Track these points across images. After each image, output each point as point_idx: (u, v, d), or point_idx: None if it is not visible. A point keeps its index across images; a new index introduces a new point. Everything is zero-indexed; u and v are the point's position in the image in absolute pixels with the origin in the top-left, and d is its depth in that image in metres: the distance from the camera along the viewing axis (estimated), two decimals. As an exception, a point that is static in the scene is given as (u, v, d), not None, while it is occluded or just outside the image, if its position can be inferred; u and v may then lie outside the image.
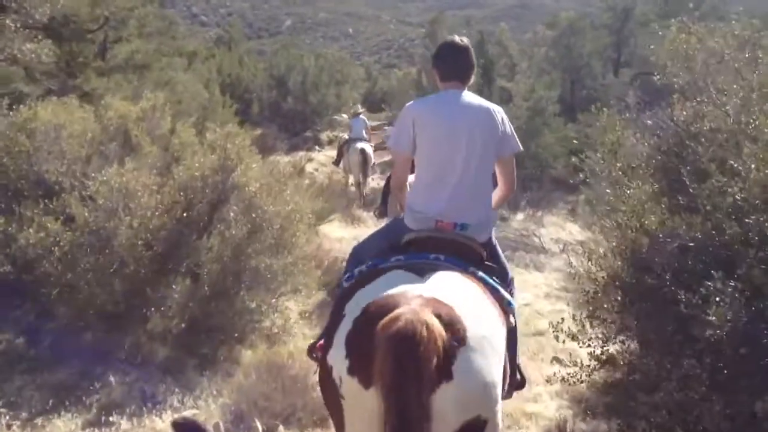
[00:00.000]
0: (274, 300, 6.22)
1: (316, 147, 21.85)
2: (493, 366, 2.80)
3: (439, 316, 2.65)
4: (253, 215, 5.86)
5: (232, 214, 5.92)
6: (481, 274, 3.32)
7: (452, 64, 3.75)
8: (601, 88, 22.37)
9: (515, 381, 3.53)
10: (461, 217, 3.51)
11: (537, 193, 16.39)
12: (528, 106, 18.69)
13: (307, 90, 24.80)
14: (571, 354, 6.59)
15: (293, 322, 6.69)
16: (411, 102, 3.79)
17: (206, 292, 5.64)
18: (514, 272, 9.84)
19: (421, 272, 3.10)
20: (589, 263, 5.49)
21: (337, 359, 2.79)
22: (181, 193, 5.79)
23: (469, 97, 3.69)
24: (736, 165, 4.27)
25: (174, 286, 5.44)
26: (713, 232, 4.25)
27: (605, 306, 5.07)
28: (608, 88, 22.57)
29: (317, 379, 3.12)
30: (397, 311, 2.61)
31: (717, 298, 3.91)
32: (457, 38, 3.83)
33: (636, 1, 24.38)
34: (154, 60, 17.13)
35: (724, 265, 4.08)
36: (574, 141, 19.13)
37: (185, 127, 6.91)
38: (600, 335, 5.28)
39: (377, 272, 3.19)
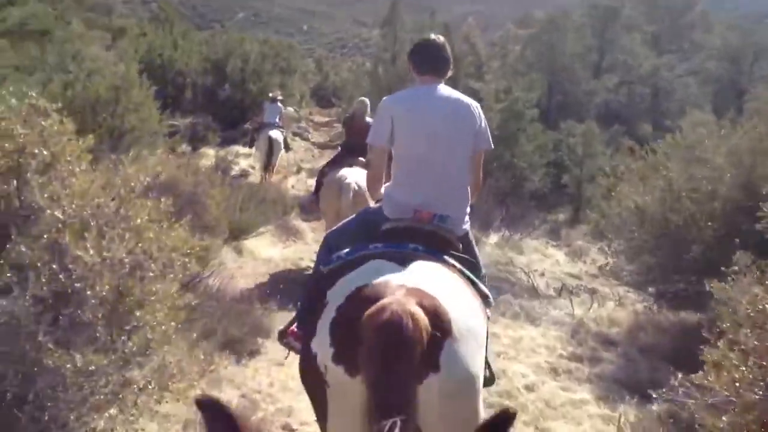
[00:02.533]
0: (98, 418, 3.23)
1: (252, 150, 18.68)
2: (477, 357, 2.82)
3: (423, 307, 2.60)
4: (55, 267, 2.89)
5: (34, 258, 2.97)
6: (459, 266, 3.28)
7: (428, 58, 3.74)
8: (582, 93, 19.89)
9: (485, 376, 3.19)
10: (441, 209, 3.46)
11: (513, 210, 13.62)
12: (502, 108, 16.05)
13: (246, 77, 21.82)
14: None
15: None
16: (388, 96, 3.77)
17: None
18: (502, 326, 7.03)
19: (402, 261, 3.04)
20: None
21: (322, 347, 2.74)
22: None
23: (446, 90, 3.68)
24: None
25: None
26: None
27: None
28: (590, 95, 20.19)
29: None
30: (382, 302, 2.56)
31: None
32: (432, 35, 3.85)
33: (623, 1, 21.98)
34: (56, 27, 14.07)
35: None
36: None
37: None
38: None
39: (358, 260, 3.11)
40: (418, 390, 2.48)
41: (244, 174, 16.13)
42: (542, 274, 10.63)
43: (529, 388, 6.09)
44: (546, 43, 19.97)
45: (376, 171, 3.81)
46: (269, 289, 8.02)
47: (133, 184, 3.41)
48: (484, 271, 3.63)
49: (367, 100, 9.56)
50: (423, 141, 3.49)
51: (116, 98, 13.11)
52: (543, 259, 12.08)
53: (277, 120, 15.33)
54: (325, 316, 2.80)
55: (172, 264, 3.42)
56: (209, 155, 16.87)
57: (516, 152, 15.41)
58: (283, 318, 7.41)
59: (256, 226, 10.38)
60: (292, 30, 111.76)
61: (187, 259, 3.62)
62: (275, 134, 14.76)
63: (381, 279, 2.81)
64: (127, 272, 3.13)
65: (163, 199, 3.59)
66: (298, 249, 10.71)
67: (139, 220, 3.27)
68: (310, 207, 10.27)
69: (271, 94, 16.53)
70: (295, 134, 21.80)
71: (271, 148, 14.62)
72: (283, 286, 8.24)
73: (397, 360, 2.43)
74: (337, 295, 2.86)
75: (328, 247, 3.53)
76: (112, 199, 3.25)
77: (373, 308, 2.53)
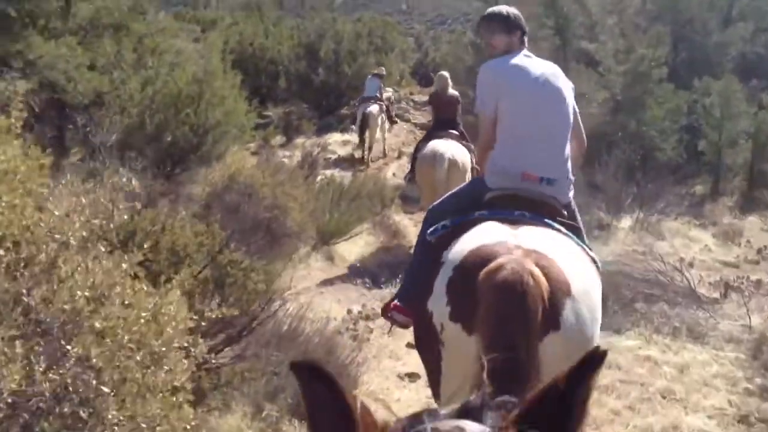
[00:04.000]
0: None
1: (352, 126, 17.33)
2: (595, 321, 2.81)
3: (541, 267, 2.61)
4: None
5: None
6: (566, 231, 3.21)
7: (493, 25, 3.68)
8: (713, 46, 17.50)
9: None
10: (547, 172, 3.37)
11: (646, 187, 11.65)
12: (624, 71, 14.10)
13: (340, 59, 20.55)
14: None
15: None
16: (487, 62, 3.73)
17: None
18: (660, 348, 5.43)
19: (513, 225, 3.04)
20: None
21: (438, 306, 2.78)
22: None
23: (533, 56, 3.65)
24: None
25: None
26: None
27: None
28: (722, 47, 17.77)
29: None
30: (499, 260, 2.57)
31: None
32: (501, 7, 3.77)
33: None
34: (131, 20, 13.22)
35: None
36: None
37: None
38: None
39: (468, 224, 3.11)
40: (538, 348, 2.43)
41: (341, 162, 14.91)
42: (691, 264, 8.82)
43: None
44: (670, -7, 17.73)
45: (486, 139, 3.69)
46: (361, 309, 6.67)
47: (78, 227, 1.95)
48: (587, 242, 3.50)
49: (446, 74, 9.92)
50: (528, 106, 3.45)
51: (200, 92, 12.17)
52: (688, 244, 10.18)
53: (377, 93, 14.89)
54: (441, 276, 2.81)
55: (166, 354, 2.02)
56: (302, 146, 15.72)
57: (644, 119, 13.46)
58: (379, 345, 6.08)
59: (349, 228, 9.06)
60: (391, 9, 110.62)
61: (191, 339, 2.23)
62: (370, 108, 14.27)
63: (495, 239, 2.80)
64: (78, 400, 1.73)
65: (142, 247, 2.14)
66: (400, 247, 9.27)
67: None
68: (408, 188, 10.23)
69: (375, 71, 16.19)
70: (396, 116, 20.45)
71: (364, 122, 14.16)
72: (378, 304, 6.88)
73: (515, 319, 2.41)
74: (453, 255, 2.85)
75: (430, 221, 3.49)
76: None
77: (490, 266, 2.53)
